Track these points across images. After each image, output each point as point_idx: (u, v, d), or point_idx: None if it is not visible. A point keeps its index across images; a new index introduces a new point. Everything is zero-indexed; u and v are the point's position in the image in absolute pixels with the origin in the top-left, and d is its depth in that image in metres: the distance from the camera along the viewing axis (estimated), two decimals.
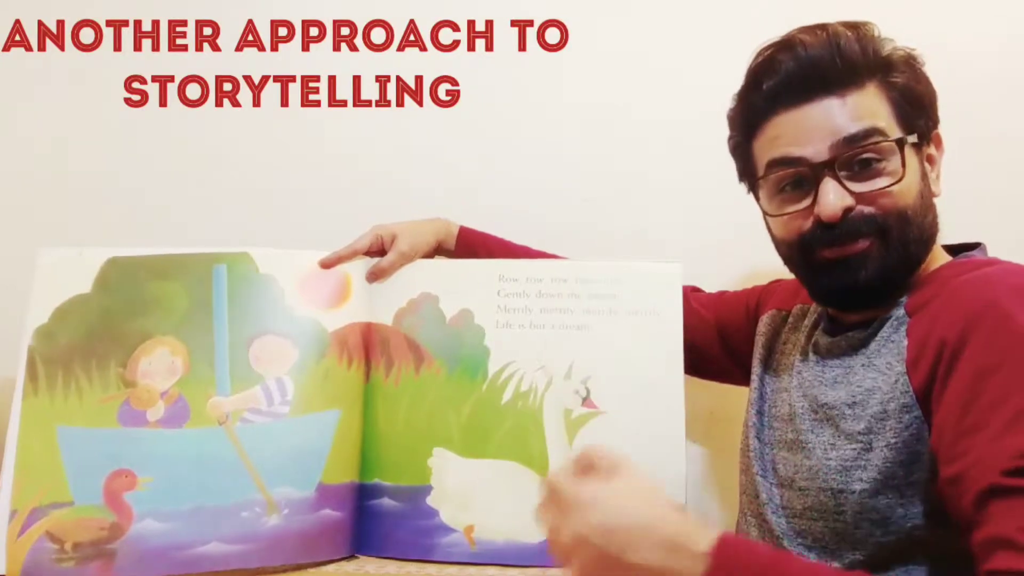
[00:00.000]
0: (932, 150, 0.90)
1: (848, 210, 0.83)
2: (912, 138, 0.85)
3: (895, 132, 0.84)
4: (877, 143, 0.83)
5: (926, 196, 0.87)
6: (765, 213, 0.93)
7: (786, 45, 0.87)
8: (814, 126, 0.84)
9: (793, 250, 0.90)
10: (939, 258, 0.89)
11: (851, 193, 0.83)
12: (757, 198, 0.94)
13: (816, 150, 0.84)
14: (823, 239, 0.85)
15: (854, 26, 0.86)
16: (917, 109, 0.86)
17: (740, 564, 0.63)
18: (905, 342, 0.81)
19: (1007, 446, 0.69)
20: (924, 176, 0.87)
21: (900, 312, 0.84)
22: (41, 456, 0.93)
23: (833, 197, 0.83)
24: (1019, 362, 0.71)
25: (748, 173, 0.95)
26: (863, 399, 0.83)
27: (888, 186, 0.83)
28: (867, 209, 0.84)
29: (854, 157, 0.83)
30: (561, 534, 0.67)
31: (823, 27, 0.86)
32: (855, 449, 0.82)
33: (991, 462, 0.70)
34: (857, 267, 0.85)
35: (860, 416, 0.83)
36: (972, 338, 0.74)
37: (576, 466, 0.71)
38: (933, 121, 0.89)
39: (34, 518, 0.91)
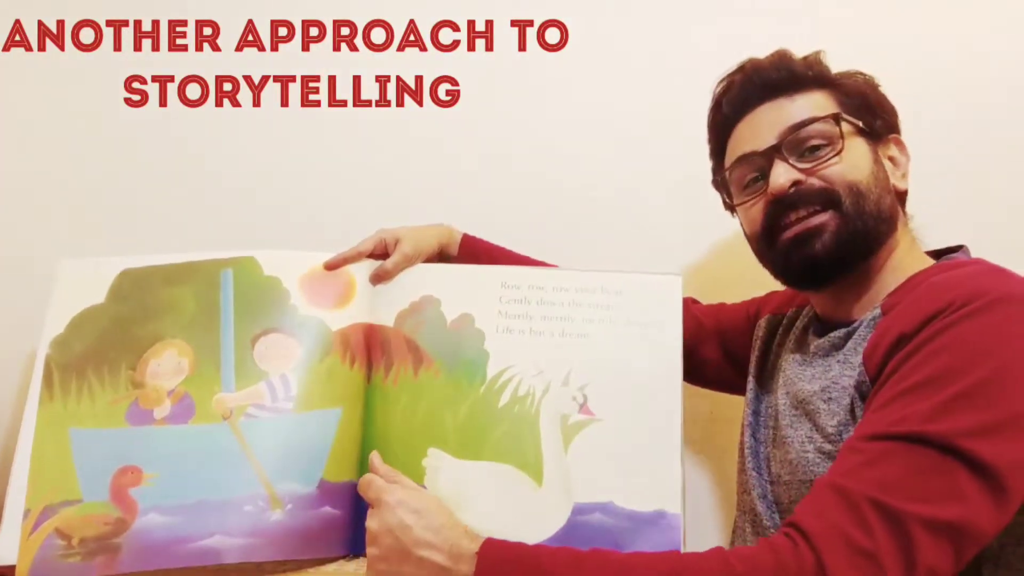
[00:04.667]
0: (893, 152, 0.98)
1: (797, 184, 0.92)
2: (856, 121, 0.94)
3: (839, 117, 0.94)
4: (820, 126, 0.93)
5: (881, 180, 0.94)
6: (734, 208, 1.03)
7: (739, 69, 1.01)
8: (765, 122, 0.96)
9: (759, 240, 0.98)
10: (922, 262, 0.94)
11: (799, 170, 0.93)
12: (730, 209, 1.05)
13: (766, 141, 0.95)
14: (778, 215, 0.94)
15: (805, 54, 0.99)
16: (868, 111, 0.96)
17: (503, 557, 0.81)
18: (871, 335, 0.86)
19: (881, 415, 0.76)
20: (878, 163, 0.95)
21: (876, 312, 0.89)
22: (54, 458, 0.99)
23: (780, 174, 0.93)
24: (941, 350, 0.76)
25: (726, 194, 1.04)
26: (838, 396, 0.88)
27: (830, 160, 0.92)
28: (816, 182, 0.92)
29: (800, 142, 0.94)
30: (370, 523, 0.87)
31: (775, 51, 1.00)
32: (830, 442, 0.87)
33: (861, 427, 0.77)
34: (814, 239, 0.92)
35: (834, 412, 0.88)
36: (922, 331, 0.79)
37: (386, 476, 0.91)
38: (889, 125, 0.99)
39: (45, 516, 0.96)
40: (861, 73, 1.00)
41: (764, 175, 0.95)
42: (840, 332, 0.94)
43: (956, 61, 1.30)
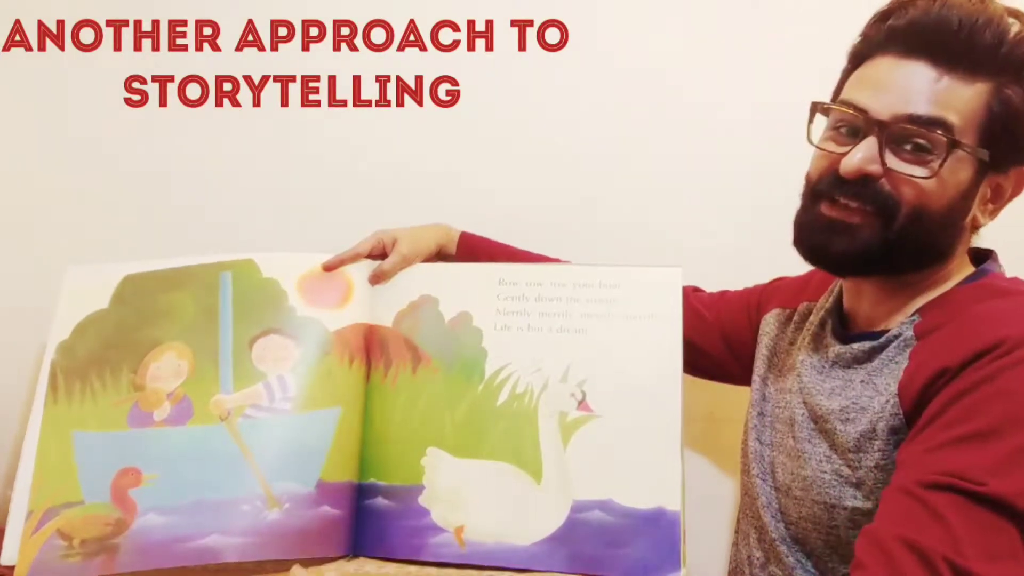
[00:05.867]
0: (1007, 183, 0.87)
1: (868, 176, 0.83)
2: (979, 152, 0.83)
3: (966, 136, 0.82)
4: (932, 134, 0.81)
5: (958, 214, 0.85)
6: (809, 141, 0.92)
7: None
8: (896, 82, 0.83)
9: (808, 189, 0.91)
10: (959, 272, 0.90)
11: (883, 164, 0.83)
12: (810, 123, 0.92)
13: (880, 108, 0.83)
14: (831, 190, 0.86)
15: (1017, 15, 0.83)
16: (1011, 135, 0.83)
17: None
18: (906, 364, 0.83)
19: (937, 460, 0.74)
20: (969, 195, 0.85)
21: (909, 333, 0.86)
22: (57, 460, 1.01)
23: (861, 155, 0.83)
24: (996, 396, 0.75)
25: (832, 99, 0.94)
26: (855, 416, 0.86)
27: (917, 177, 0.82)
28: (886, 187, 0.83)
29: (905, 135, 0.82)
30: None
31: (975, 3, 0.83)
32: (847, 466, 0.86)
33: (915, 470, 0.75)
34: (839, 234, 0.86)
35: (850, 433, 0.86)
36: (969, 371, 0.77)
37: None
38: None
39: (47, 517, 0.98)
40: None
41: (855, 134, 0.86)
42: (864, 345, 0.90)
43: None
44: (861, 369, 0.90)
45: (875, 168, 0.83)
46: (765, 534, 0.96)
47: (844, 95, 0.89)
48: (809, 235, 0.90)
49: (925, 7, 0.84)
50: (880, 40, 0.87)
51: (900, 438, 0.81)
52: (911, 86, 0.83)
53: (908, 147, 0.83)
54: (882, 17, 0.88)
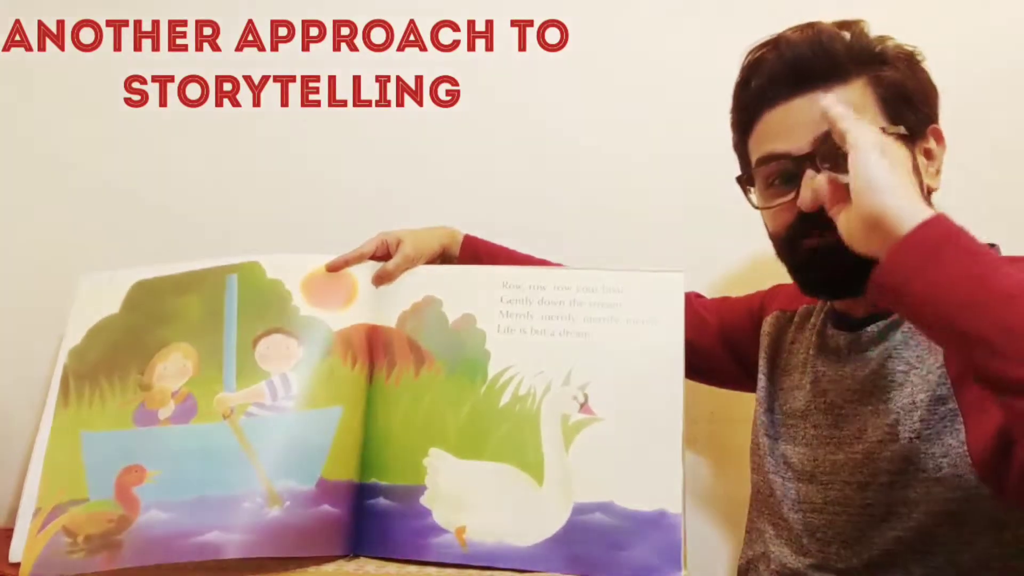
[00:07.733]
0: (931, 144, 0.93)
1: None
2: (897, 129, 0.88)
3: (878, 124, 0.87)
4: None
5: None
6: (756, 208, 0.98)
7: (772, 44, 0.94)
8: (798, 121, 0.90)
9: (781, 243, 0.96)
10: None
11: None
12: (747, 195, 0.98)
13: (799, 144, 0.89)
14: (805, 229, 0.90)
15: (844, 24, 0.92)
16: (908, 104, 0.91)
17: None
18: None
19: None
20: (915, 169, 0.89)
21: None
22: (66, 460, 1.03)
23: (812, 188, 0.86)
24: None
25: (744, 171, 1.00)
26: (894, 394, 0.88)
27: None
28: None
29: (836, 149, 0.84)
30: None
31: (811, 25, 0.92)
32: (882, 441, 0.87)
33: None
34: (833, 256, 0.86)
35: (888, 410, 0.87)
36: None
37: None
38: (929, 116, 0.93)
39: (54, 515, 1.00)
40: (901, 47, 0.93)
41: (792, 178, 0.91)
42: (880, 324, 0.93)
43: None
44: (881, 347, 0.92)
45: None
46: (783, 527, 0.98)
47: (758, 155, 0.95)
48: (817, 271, 0.93)
49: (773, 56, 0.93)
50: (754, 102, 0.95)
51: (948, 408, 0.83)
52: (810, 113, 0.89)
53: (841, 160, 0.86)
54: (743, 84, 0.97)
